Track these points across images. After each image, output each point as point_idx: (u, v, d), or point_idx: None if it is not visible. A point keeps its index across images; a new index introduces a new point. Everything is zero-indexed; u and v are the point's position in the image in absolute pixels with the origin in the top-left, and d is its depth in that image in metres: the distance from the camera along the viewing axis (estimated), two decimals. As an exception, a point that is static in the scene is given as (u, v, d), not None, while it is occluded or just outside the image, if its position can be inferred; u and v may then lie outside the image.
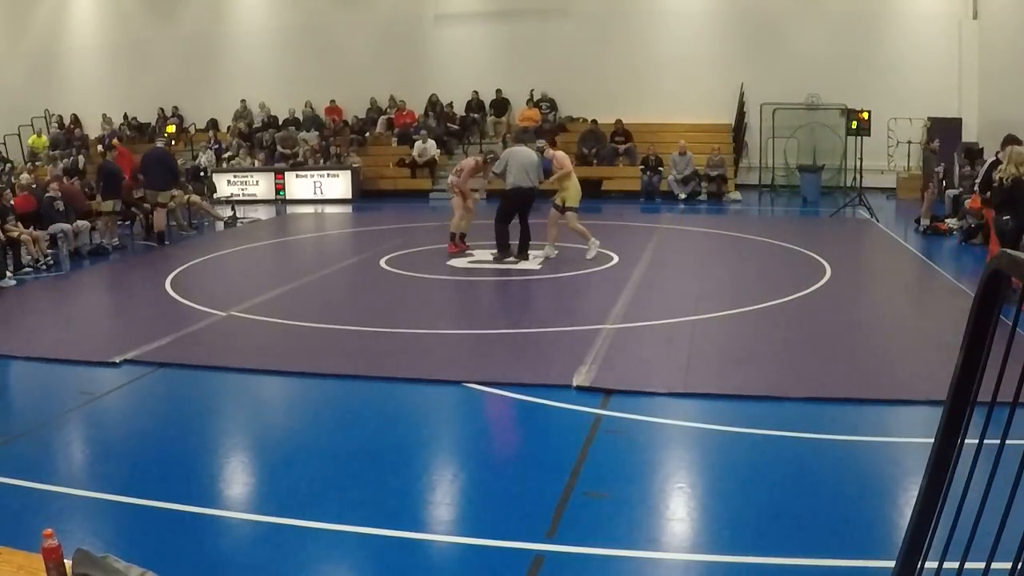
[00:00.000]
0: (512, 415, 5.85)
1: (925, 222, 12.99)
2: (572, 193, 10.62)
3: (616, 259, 10.73)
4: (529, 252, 10.81)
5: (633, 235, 13.07)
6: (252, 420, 5.90)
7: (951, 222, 12.68)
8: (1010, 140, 9.20)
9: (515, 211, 10.75)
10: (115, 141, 17.95)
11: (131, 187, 14.01)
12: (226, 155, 20.28)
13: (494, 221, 10.83)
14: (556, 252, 10.86)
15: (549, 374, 6.24)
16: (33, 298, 9.80)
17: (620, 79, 19.27)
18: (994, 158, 9.79)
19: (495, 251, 10.84)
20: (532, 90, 19.96)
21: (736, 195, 17.87)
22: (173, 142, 18.02)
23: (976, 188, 10.66)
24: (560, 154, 11.16)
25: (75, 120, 22.48)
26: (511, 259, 10.64)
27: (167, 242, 13.27)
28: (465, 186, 11.36)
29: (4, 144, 22.33)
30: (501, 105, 20.34)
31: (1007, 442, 1.36)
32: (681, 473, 4.74)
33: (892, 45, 18.19)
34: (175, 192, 14.18)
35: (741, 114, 18.80)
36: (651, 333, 7.40)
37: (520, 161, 10.58)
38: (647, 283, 9.43)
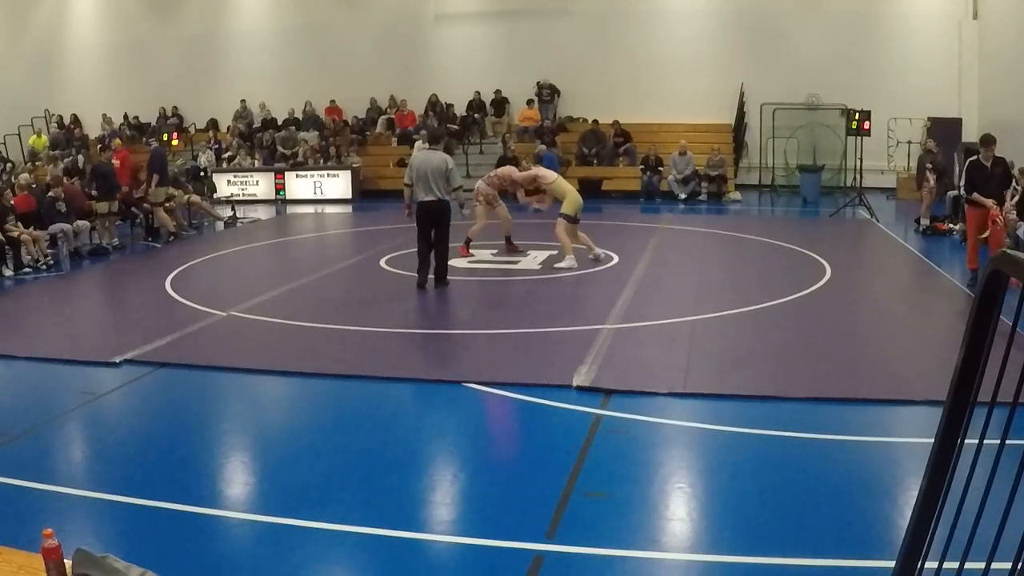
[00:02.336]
0: (512, 415, 5.85)
1: (925, 222, 12.99)
2: (567, 202, 10.46)
3: (616, 259, 10.73)
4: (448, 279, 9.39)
5: (633, 235, 13.07)
6: (252, 420, 5.90)
7: (952, 226, 12.66)
8: None
9: (424, 230, 9.18)
10: (117, 141, 17.97)
11: (131, 187, 14.00)
12: (226, 155, 20.28)
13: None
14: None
15: (549, 374, 6.24)
16: (33, 298, 9.80)
17: (620, 79, 19.26)
18: (975, 157, 9.29)
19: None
20: (538, 82, 19.88)
21: (736, 195, 17.86)
22: (174, 142, 18.05)
23: (962, 190, 9.82)
24: (524, 175, 11.08)
25: (75, 120, 22.47)
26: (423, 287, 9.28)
27: (169, 240, 13.44)
28: (490, 194, 11.09)
29: (4, 144, 22.32)
30: (500, 105, 20.33)
31: (1007, 442, 1.36)
32: (681, 473, 4.74)
33: (892, 45, 18.18)
34: (173, 191, 14.17)
35: (741, 114, 18.79)
36: (651, 333, 7.41)
37: (422, 170, 9.09)
38: (647, 283, 9.42)
